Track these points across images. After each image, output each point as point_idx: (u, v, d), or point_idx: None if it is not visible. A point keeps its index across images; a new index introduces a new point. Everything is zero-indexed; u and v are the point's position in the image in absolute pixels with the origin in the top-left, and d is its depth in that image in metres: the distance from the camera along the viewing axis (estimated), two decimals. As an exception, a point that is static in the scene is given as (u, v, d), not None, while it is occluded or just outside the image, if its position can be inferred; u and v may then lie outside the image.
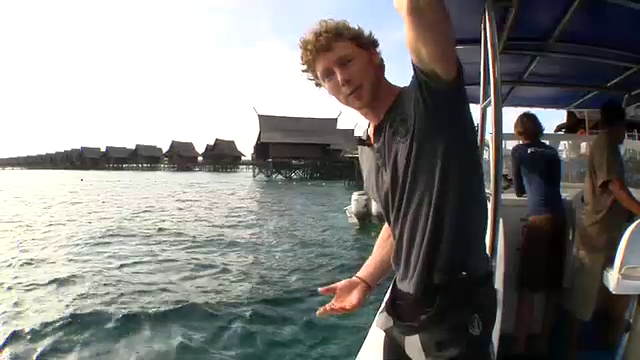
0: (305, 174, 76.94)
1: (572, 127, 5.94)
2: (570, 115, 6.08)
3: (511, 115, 4.71)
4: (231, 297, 8.84)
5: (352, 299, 1.59)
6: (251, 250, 13.82)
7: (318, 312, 1.59)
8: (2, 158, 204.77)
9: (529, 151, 3.90)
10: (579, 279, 3.46)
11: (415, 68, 1.24)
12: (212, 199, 33.28)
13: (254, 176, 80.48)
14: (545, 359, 3.59)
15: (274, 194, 40.09)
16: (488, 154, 2.93)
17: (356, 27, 1.44)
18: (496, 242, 1.85)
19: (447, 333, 1.37)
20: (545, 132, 4.09)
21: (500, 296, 2.14)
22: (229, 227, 19.06)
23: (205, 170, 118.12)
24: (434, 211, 1.33)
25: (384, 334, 1.66)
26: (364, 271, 1.69)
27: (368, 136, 1.55)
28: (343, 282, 1.63)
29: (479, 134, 2.95)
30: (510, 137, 4.59)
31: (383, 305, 1.63)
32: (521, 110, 4.03)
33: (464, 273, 1.36)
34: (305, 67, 1.48)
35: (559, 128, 6.16)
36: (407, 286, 1.45)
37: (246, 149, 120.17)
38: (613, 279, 3.01)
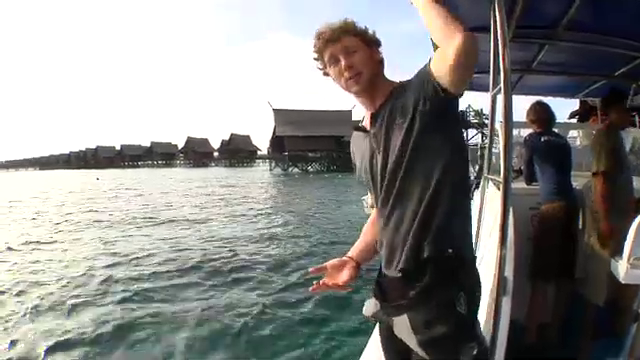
0: (321, 166, 77.29)
1: (585, 115, 5.91)
2: (583, 103, 6.04)
3: (522, 103, 4.70)
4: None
5: (343, 276, 1.70)
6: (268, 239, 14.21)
7: (311, 288, 1.69)
8: (16, 160, 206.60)
9: (542, 140, 3.89)
10: (590, 266, 3.46)
11: (432, 79, 1.41)
12: (237, 193, 33.55)
13: (270, 170, 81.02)
14: (556, 348, 3.59)
15: (291, 187, 40.27)
16: (498, 142, 2.93)
17: (362, 26, 1.64)
18: (506, 230, 1.84)
19: (435, 311, 1.45)
20: (557, 121, 4.09)
21: (510, 285, 2.13)
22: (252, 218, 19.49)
23: (221, 165, 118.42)
24: (424, 194, 1.45)
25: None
26: (354, 251, 1.81)
27: (364, 125, 1.69)
28: (333, 261, 1.75)
29: (489, 121, 2.94)
30: (520, 125, 4.58)
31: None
32: (530, 98, 4.02)
33: (450, 250, 1.45)
34: (316, 55, 1.67)
35: (572, 115, 6.13)
36: (393, 269, 1.54)
37: (262, 143, 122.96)
38: (622, 269, 3.00)
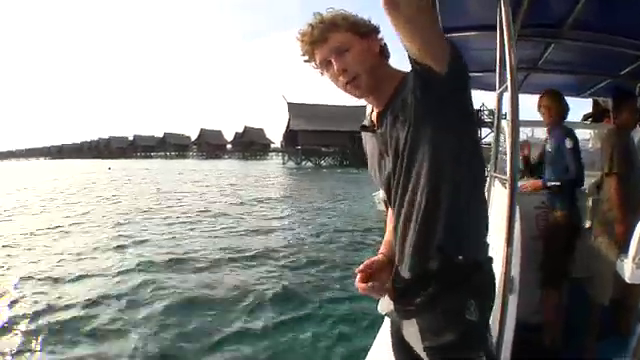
0: (334, 161, 76.54)
1: (598, 116, 5.88)
2: (596, 104, 6.02)
3: (527, 102, 4.68)
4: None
5: (385, 284, 1.55)
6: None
7: (361, 289, 1.53)
8: (27, 148, 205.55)
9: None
10: (596, 265, 3.45)
11: (409, 59, 1.26)
12: (251, 184, 33.91)
13: (283, 163, 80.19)
14: (561, 347, 3.57)
15: (304, 181, 40.16)
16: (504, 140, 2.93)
17: (354, 16, 1.45)
18: (512, 229, 1.84)
19: (443, 318, 1.38)
20: (572, 121, 4.03)
21: (516, 284, 2.13)
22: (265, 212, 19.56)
23: (234, 158, 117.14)
24: (430, 195, 1.34)
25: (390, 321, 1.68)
26: (385, 248, 1.66)
27: (372, 121, 1.56)
28: (377, 263, 1.59)
29: (495, 120, 2.94)
30: (526, 124, 4.56)
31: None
32: (536, 97, 3.98)
33: (460, 257, 1.37)
34: (306, 57, 1.50)
35: (585, 117, 6.11)
36: (403, 270, 1.47)
37: (275, 137, 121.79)
38: (628, 268, 2.99)
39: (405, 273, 1.46)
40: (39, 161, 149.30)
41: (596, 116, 6.09)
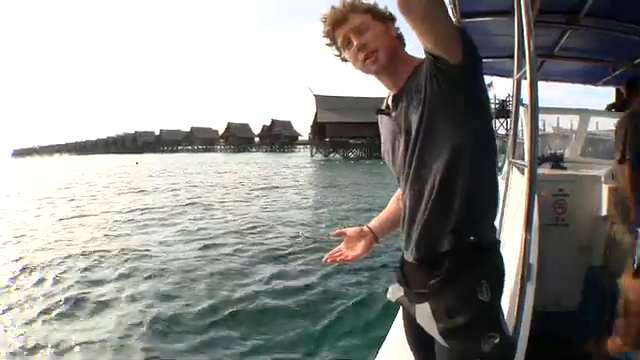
0: (363, 153, 76.33)
1: (621, 106, 5.84)
2: (619, 94, 5.98)
3: (542, 90, 4.66)
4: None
5: (357, 248, 1.73)
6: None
7: (325, 259, 1.75)
8: (52, 144, 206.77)
9: None
10: (614, 254, 3.44)
11: (424, 50, 1.33)
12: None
13: (312, 155, 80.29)
14: (579, 336, 3.55)
15: (334, 174, 39.57)
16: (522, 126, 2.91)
17: (371, 1, 1.53)
18: (531, 216, 1.83)
19: (456, 299, 1.40)
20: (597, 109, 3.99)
21: (534, 271, 2.11)
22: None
23: (262, 151, 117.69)
24: (443, 180, 1.38)
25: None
26: (374, 223, 1.79)
27: (387, 105, 1.60)
28: (353, 229, 1.76)
29: (513, 107, 2.92)
30: (544, 111, 4.53)
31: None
32: (550, 84, 3.97)
33: (472, 238, 1.39)
34: (328, 41, 1.58)
35: (609, 108, 6.06)
36: (412, 257, 1.50)
37: (303, 129, 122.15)
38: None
39: (415, 254, 1.48)
40: (63, 157, 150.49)
41: (619, 106, 6.05)
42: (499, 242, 1.55)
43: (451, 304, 1.41)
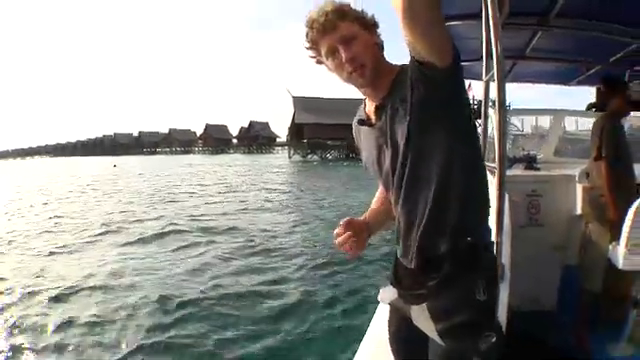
0: (340, 154, 75.89)
1: (601, 106, 5.90)
2: (600, 94, 6.04)
3: (516, 91, 4.70)
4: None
5: (359, 246, 1.59)
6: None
7: (348, 256, 1.61)
8: (30, 147, 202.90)
9: None
10: (589, 253, 3.45)
11: (412, 57, 1.29)
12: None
13: (289, 157, 79.87)
14: (554, 335, 3.58)
15: (312, 174, 39.70)
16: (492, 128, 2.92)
17: (359, 9, 1.49)
18: (502, 217, 1.83)
19: (455, 299, 1.41)
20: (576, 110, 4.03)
21: (507, 271, 2.12)
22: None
23: (240, 152, 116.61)
24: (438, 188, 1.37)
25: (388, 311, 1.68)
26: (370, 216, 1.70)
27: (367, 115, 1.56)
28: (358, 221, 1.63)
29: (483, 109, 2.93)
30: (514, 113, 4.57)
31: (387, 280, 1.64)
32: (524, 86, 4.01)
33: (469, 239, 1.40)
34: (309, 45, 1.52)
35: (589, 107, 6.12)
36: (409, 262, 1.49)
37: (281, 130, 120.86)
38: (620, 254, 3.00)
39: (415, 262, 1.47)
40: (43, 159, 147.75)
41: (599, 105, 6.12)
42: (493, 242, 1.57)
43: (450, 304, 1.41)
